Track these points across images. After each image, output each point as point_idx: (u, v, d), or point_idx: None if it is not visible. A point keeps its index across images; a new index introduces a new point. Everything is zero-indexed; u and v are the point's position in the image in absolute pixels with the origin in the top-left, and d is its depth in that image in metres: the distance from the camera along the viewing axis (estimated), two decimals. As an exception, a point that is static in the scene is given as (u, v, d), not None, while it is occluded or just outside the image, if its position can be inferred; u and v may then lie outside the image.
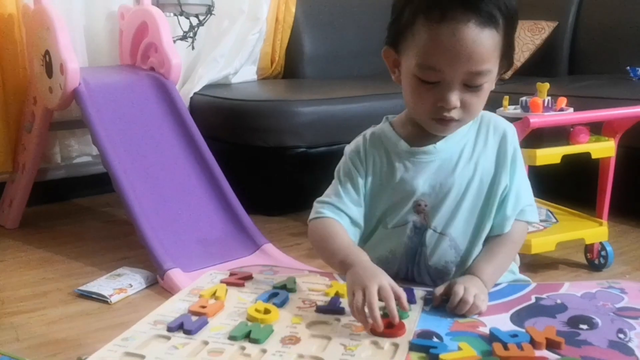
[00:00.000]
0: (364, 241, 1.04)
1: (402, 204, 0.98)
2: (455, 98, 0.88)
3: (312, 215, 1.01)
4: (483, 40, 0.85)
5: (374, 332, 0.82)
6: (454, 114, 0.90)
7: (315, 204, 1.01)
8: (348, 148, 1.04)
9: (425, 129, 0.95)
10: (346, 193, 0.99)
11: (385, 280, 0.85)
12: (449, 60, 0.86)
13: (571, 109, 1.73)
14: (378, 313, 0.81)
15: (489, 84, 0.90)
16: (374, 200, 1.00)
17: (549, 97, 1.72)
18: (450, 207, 0.96)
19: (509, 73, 2.90)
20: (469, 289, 0.88)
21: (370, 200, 1.01)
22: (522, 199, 0.99)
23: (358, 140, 1.04)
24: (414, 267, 1.00)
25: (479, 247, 0.98)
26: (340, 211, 0.99)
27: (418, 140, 0.97)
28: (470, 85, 0.88)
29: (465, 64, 0.86)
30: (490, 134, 0.98)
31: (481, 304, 0.87)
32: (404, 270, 1.00)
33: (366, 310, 0.81)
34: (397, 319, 0.81)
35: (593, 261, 1.85)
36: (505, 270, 1.01)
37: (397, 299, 0.83)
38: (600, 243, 1.82)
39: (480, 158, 0.96)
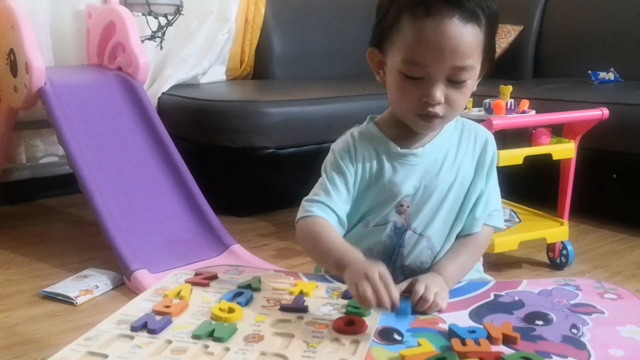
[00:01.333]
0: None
1: (386, 204, 0.99)
2: (439, 93, 0.90)
3: (300, 214, 1.00)
4: (466, 35, 0.87)
5: (337, 329, 0.83)
6: (439, 109, 0.92)
7: (303, 203, 1.01)
8: (336, 146, 1.04)
9: (410, 130, 0.98)
10: (336, 191, 0.99)
11: (383, 269, 0.86)
12: (433, 55, 0.88)
13: (533, 112, 1.77)
14: (393, 288, 0.82)
15: (472, 81, 0.92)
16: (359, 198, 1.02)
17: (512, 100, 1.76)
18: (431, 209, 0.99)
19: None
20: (430, 287, 0.90)
21: (355, 199, 1.02)
22: (491, 203, 1.03)
23: (346, 138, 1.04)
24: (389, 266, 1.00)
25: (449, 246, 1.02)
26: (330, 209, 0.99)
27: (405, 141, 1.00)
28: (454, 81, 0.90)
29: (450, 58, 0.88)
30: (471, 141, 1.01)
31: (441, 302, 0.90)
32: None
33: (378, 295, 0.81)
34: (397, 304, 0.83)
35: (555, 260, 1.89)
36: (469, 271, 1.03)
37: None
38: (562, 242, 1.87)
39: (462, 163, 0.99)
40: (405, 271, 1.01)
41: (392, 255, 1.01)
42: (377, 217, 1.00)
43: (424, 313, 0.89)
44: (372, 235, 1.01)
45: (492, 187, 1.03)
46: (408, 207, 0.99)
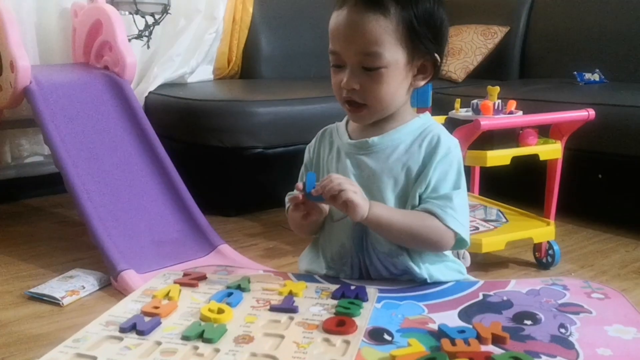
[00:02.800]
0: (316, 239, 1.09)
1: None
2: (350, 78, 0.95)
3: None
4: (367, 22, 0.93)
5: (327, 330, 0.83)
6: (355, 95, 0.97)
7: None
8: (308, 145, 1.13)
9: (369, 125, 1.02)
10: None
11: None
12: (341, 42, 0.96)
13: (520, 112, 1.78)
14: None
15: (389, 71, 0.94)
16: None
17: (499, 100, 1.77)
18: (381, 199, 1.00)
19: (462, 76, 2.97)
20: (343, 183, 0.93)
21: None
22: (440, 189, 0.98)
23: (316, 135, 1.12)
24: (364, 255, 1.03)
25: None
26: None
27: (358, 134, 1.04)
28: (367, 68, 0.94)
29: (353, 44, 0.94)
30: (427, 140, 0.99)
31: (345, 188, 0.92)
32: (356, 262, 1.03)
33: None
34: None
35: (541, 260, 1.91)
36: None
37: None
38: (548, 242, 1.88)
39: (410, 157, 0.99)
40: (380, 257, 1.02)
41: (362, 244, 1.02)
42: (337, 210, 1.01)
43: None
44: (339, 230, 1.04)
45: (441, 176, 0.98)
46: None
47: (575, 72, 2.70)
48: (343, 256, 1.03)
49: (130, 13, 2.53)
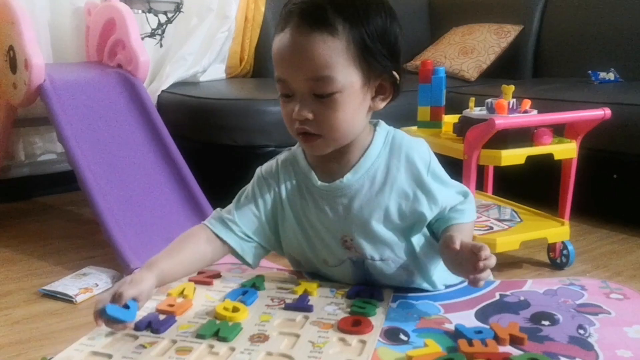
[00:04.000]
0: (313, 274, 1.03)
1: (330, 244, 0.96)
2: (301, 108, 0.85)
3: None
4: (313, 44, 0.83)
5: (343, 329, 0.83)
6: (309, 126, 0.87)
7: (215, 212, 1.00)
8: (259, 171, 1.01)
9: (332, 156, 0.92)
10: (241, 216, 0.97)
11: (137, 278, 0.83)
12: (287, 68, 0.86)
13: (535, 111, 1.77)
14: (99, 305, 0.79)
15: (344, 96, 0.85)
16: (294, 235, 0.98)
17: (514, 99, 1.75)
18: (376, 237, 0.93)
19: (474, 75, 2.95)
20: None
21: (286, 233, 0.99)
22: (449, 202, 0.96)
23: (270, 165, 1.00)
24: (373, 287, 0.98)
25: (423, 254, 0.96)
26: (231, 231, 0.96)
27: (327, 169, 0.94)
28: (319, 95, 0.85)
29: (300, 69, 0.84)
30: (402, 158, 0.93)
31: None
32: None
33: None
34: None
35: (555, 260, 1.89)
36: None
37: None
38: (562, 242, 1.86)
39: (394, 183, 0.92)
40: (391, 286, 0.98)
41: (366, 281, 0.98)
42: (331, 257, 0.97)
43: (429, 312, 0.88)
44: (340, 273, 0.99)
45: (441, 191, 0.94)
46: (352, 240, 0.94)
47: (589, 71, 2.67)
48: None
49: (143, 11, 2.53)
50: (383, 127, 0.96)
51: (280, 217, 0.99)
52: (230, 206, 0.99)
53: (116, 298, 0.79)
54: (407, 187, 0.92)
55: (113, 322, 0.78)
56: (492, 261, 0.84)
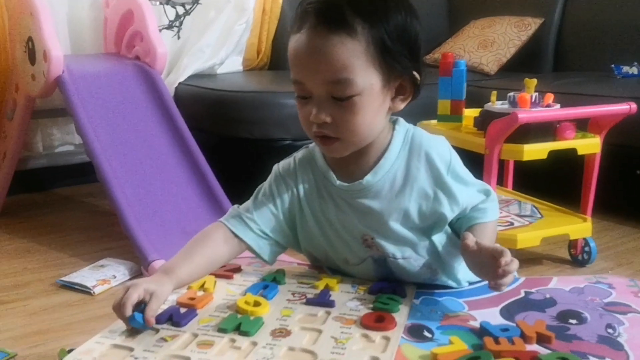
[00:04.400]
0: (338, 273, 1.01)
1: (351, 243, 0.95)
2: (319, 111, 0.84)
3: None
4: (331, 46, 0.81)
5: (366, 325, 0.81)
6: (327, 130, 0.85)
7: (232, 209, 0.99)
8: (276, 168, 1.00)
9: (349, 157, 0.91)
10: (259, 213, 0.96)
11: (153, 286, 0.83)
12: (303, 71, 0.84)
13: (558, 105, 1.74)
14: (127, 309, 0.80)
15: (363, 98, 0.84)
16: (314, 235, 0.97)
17: (537, 93, 1.72)
18: (397, 237, 0.92)
19: (494, 68, 2.92)
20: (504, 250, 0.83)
21: (305, 231, 0.98)
22: (471, 201, 0.95)
23: (288, 162, 0.99)
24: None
25: (446, 252, 0.95)
26: (248, 228, 0.95)
27: (345, 169, 0.93)
28: (338, 98, 0.83)
29: (318, 73, 0.82)
30: (422, 159, 0.91)
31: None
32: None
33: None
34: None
35: (576, 257, 1.86)
36: None
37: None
38: (584, 239, 1.83)
39: (415, 184, 0.91)
40: (413, 282, 0.97)
41: (389, 279, 0.97)
42: (352, 257, 0.97)
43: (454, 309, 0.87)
44: (363, 272, 0.98)
45: (461, 191, 0.93)
46: (373, 239, 0.93)
47: (612, 65, 2.62)
48: None
49: (161, 3, 2.53)
50: (402, 126, 0.94)
51: (299, 217, 0.98)
52: (248, 204, 0.99)
53: (146, 313, 0.80)
54: (428, 187, 0.91)
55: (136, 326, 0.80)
56: (514, 266, 0.82)
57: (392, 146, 0.92)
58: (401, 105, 0.90)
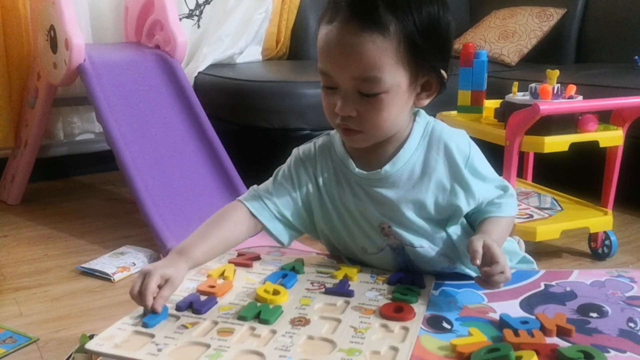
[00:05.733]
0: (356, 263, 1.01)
1: (369, 231, 0.95)
2: (345, 105, 0.84)
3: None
4: (363, 44, 0.81)
5: (385, 316, 0.82)
6: (351, 123, 0.86)
7: (251, 188, 1.00)
8: (296, 152, 1.01)
9: (368, 147, 0.92)
10: (277, 194, 0.97)
11: (169, 271, 0.83)
12: (332, 64, 0.84)
13: (580, 97, 1.72)
14: (148, 299, 0.80)
15: (389, 96, 0.84)
16: (332, 223, 0.98)
17: (559, 85, 1.70)
18: (411, 226, 0.93)
19: (515, 59, 2.89)
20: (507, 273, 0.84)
21: (325, 218, 0.98)
22: (487, 196, 0.95)
23: (308, 147, 1.00)
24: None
25: (462, 243, 0.94)
26: (266, 207, 0.96)
27: (364, 158, 0.93)
28: (365, 94, 0.84)
29: (347, 68, 0.83)
30: (441, 151, 0.92)
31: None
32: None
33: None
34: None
35: (597, 250, 1.84)
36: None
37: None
38: (605, 232, 1.81)
39: (432, 176, 0.91)
40: (431, 273, 0.97)
41: (407, 268, 0.97)
42: (370, 245, 0.97)
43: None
44: (380, 261, 0.98)
45: (478, 186, 0.93)
46: (390, 227, 0.93)
47: (636, 57, 2.58)
48: None
49: (181, -8, 2.53)
50: (423, 117, 0.95)
51: (317, 203, 0.98)
52: (267, 184, 0.99)
53: (156, 301, 0.81)
54: (445, 179, 0.91)
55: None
56: (501, 279, 0.82)
57: (412, 137, 0.92)
58: (425, 102, 0.91)
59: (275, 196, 0.97)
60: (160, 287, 0.82)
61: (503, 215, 0.95)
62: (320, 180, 0.97)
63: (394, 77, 0.83)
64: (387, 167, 0.91)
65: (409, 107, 0.89)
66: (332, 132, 0.98)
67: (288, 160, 1.01)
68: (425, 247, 0.94)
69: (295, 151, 1.01)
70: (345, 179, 0.95)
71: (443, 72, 0.88)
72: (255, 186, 1.00)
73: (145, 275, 0.82)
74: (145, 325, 0.79)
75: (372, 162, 0.93)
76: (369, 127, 0.86)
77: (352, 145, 0.93)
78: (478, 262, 0.82)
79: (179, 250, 0.89)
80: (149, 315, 0.80)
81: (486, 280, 0.83)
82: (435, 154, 0.91)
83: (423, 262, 0.96)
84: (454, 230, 0.94)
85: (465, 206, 0.92)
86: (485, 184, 0.94)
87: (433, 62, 0.86)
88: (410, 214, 0.91)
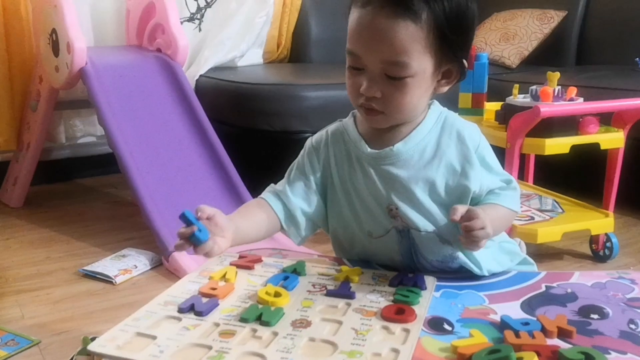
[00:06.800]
0: (357, 254, 1.02)
1: (376, 213, 0.96)
2: (371, 86, 0.87)
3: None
4: (395, 29, 0.84)
5: (386, 317, 0.82)
6: (375, 104, 0.89)
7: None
8: (309, 142, 1.03)
9: (384, 129, 0.94)
10: (292, 188, 0.99)
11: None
12: (363, 46, 0.87)
13: (581, 99, 1.72)
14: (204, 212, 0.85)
15: (415, 80, 0.87)
16: (340, 205, 0.99)
17: (559, 87, 1.71)
18: (421, 208, 0.93)
19: (516, 62, 2.89)
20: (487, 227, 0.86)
21: (332, 203, 0.99)
22: (490, 185, 0.97)
23: (320, 135, 1.02)
24: (416, 266, 0.99)
25: None
26: (279, 200, 0.98)
27: (377, 139, 0.95)
28: (391, 77, 0.87)
29: (377, 51, 0.86)
30: (453, 137, 0.94)
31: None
32: (407, 271, 0.98)
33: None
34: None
35: (598, 252, 1.85)
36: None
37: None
38: (606, 234, 1.82)
39: (443, 158, 0.93)
40: (434, 264, 0.98)
41: (411, 255, 0.98)
42: (376, 227, 0.97)
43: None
44: (385, 246, 0.98)
45: (484, 175, 0.95)
46: (397, 209, 0.94)
47: (637, 59, 2.59)
48: (393, 269, 0.99)
49: (182, -4, 2.54)
50: (437, 107, 0.98)
51: (329, 188, 1.00)
52: (283, 181, 1.02)
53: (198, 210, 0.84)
54: (456, 162, 0.94)
55: (189, 231, 0.83)
56: (480, 234, 0.84)
57: (426, 121, 0.96)
58: (445, 88, 0.94)
59: (289, 188, 0.99)
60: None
61: (502, 204, 0.96)
62: (333, 162, 0.99)
63: (421, 63, 0.87)
64: (399, 145, 0.94)
65: (430, 92, 0.93)
66: (345, 119, 1.01)
67: (301, 151, 1.04)
68: (430, 231, 0.95)
69: (308, 141, 1.04)
70: (357, 159, 0.97)
71: (465, 62, 0.92)
72: (272, 184, 1.03)
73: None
74: (197, 241, 0.81)
75: (384, 143, 0.95)
76: (392, 109, 0.90)
77: (372, 125, 0.95)
78: (456, 217, 0.84)
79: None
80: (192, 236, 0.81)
81: (467, 237, 0.85)
82: (447, 139, 0.94)
83: (426, 248, 0.96)
84: None
85: (473, 186, 0.93)
86: (491, 175, 0.96)
87: (457, 51, 0.90)
88: (420, 193, 0.93)
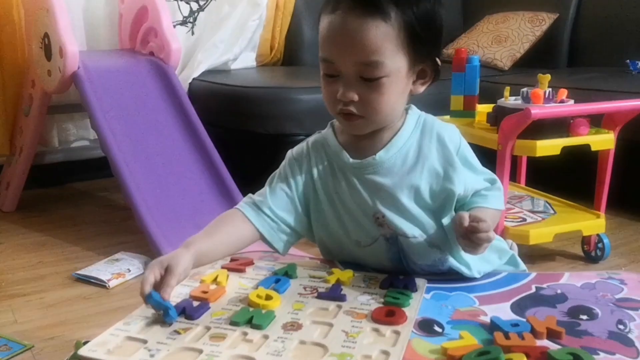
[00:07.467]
0: (347, 263, 1.02)
1: (363, 222, 0.96)
2: (347, 90, 0.87)
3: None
4: (366, 29, 0.85)
5: (376, 320, 0.82)
6: (353, 108, 0.89)
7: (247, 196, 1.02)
8: (289, 153, 1.02)
9: (363, 136, 0.94)
10: (274, 198, 0.98)
11: (167, 260, 0.85)
12: (335, 50, 0.87)
13: (572, 101, 1.73)
14: (144, 287, 0.82)
15: (390, 80, 0.88)
16: (326, 217, 0.99)
17: (550, 89, 1.72)
18: (406, 213, 0.94)
19: (508, 64, 2.91)
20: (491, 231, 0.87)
21: (318, 214, 0.99)
22: (475, 186, 0.98)
23: (301, 147, 1.02)
24: (405, 270, 0.99)
25: (453, 236, 0.94)
26: (260, 211, 0.97)
27: (357, 148, 0.96)
28: (366, 79, 0.87)
29: (351, 54, 0.86)
30: (434, 139, 0.95)
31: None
32: (398, 274, 0.98)
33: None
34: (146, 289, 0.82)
35: (590, 253, 1.86)
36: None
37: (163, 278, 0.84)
38: (598, 235, 1.83)
39: (425, 163, 0.94)
40: (424, 268, 0.98)
41: (400, 261, 0.98)
42: (363, 236, 0.97)
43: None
44: (373, 254, 0.98)
45: (468, 175, 0.96)
46: (383, 217, 0.94)
47: (628, 61, 2.61)
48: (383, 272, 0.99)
49: (175, -1, 2.54)
50: (415, 111, 0.99)
51: (313, 199, 0.99)
52: (263, 190, 1.01)
53: (163, 290, 0.82)
54: (438, 166, 0.94)
55: (158, 307, 0.82)
56: (483, 236, 0.85)
57: (405, 127, 0.96)
58: (421, 89, 0.94)
59: (270, 198, 0.98)
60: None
61: (489, 207, 0.97)
62: (315, 173, 0.98)
63: (395, 62, 0.87)
64: (381, 153, 0.94)
65: (407, 93, 0.93)
66: (324, 130, 1.01)
67: (282, 163, 1.03)
68: (418, 237, 0.95)
69: (289, 153, 1.03)
70: (340, 170, 0.97)
71: (438, 61, 0.93)
72: (250, 194, 1.01)
73: (146, 269, 0.84)
74: (149, 298, 0.81)
75: (366, 152, 0.95)
76: (370, 111, 0.90)
77: (352, 132, 0.95)
78: (466, 223, 0.85)
79: (185, 244, 0.90)
80: (166, 314, 0.81)
81: (470, 238, 0.86)
82: (428, 142, 0.95)
83: (415, 254, 0.96)
84: (446, 221, 0.95)
85: (458, 189, 0.94)
86: (475, 174, 0.97)
87: (429, 49, 0.91)
88: (405, 200, 0.93)
